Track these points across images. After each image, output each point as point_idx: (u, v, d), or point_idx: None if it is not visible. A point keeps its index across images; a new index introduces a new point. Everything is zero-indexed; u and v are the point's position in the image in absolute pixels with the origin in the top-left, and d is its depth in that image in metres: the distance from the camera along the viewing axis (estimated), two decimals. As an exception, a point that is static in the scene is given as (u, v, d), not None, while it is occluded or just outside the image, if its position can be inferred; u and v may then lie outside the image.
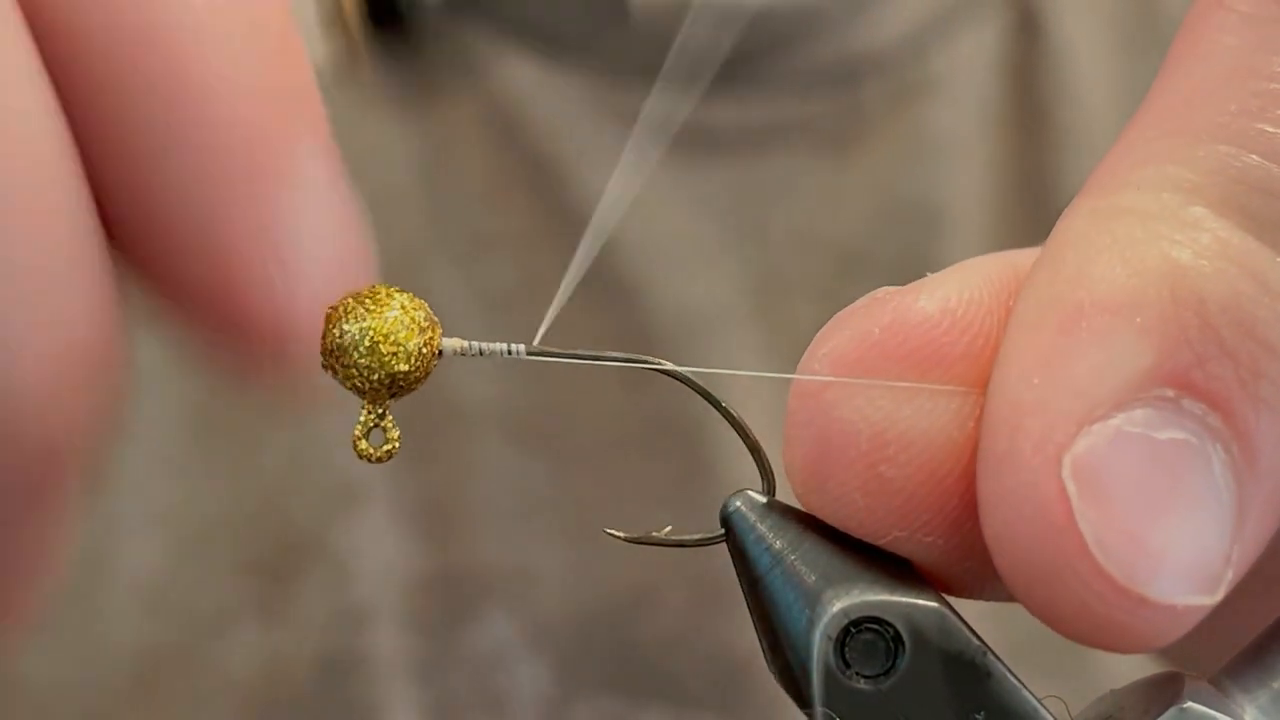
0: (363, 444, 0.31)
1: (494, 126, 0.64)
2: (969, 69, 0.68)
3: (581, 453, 0.62)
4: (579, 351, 0.32)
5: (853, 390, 0.29)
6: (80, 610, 0.59)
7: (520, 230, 0.64)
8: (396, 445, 0.31)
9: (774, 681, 0.31)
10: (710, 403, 0.31)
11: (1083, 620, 0.27)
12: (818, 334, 0.30)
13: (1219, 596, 0.27)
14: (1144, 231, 0.27)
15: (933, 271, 0.31)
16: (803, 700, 0.30)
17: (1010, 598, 0.31)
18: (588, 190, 0.63)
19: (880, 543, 0.30)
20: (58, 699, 0.57)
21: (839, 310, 0.30)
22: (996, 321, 0.30)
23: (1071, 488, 0.26)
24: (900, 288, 0.30)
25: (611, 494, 0.63)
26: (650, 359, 0.32)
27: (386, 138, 0.64)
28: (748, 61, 0.64)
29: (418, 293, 0.31)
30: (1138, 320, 0.27)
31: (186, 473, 0.60)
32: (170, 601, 0.59)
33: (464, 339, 0.30)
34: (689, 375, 0.31)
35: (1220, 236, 0.27)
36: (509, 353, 0.31)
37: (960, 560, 0.30)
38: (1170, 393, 0.27)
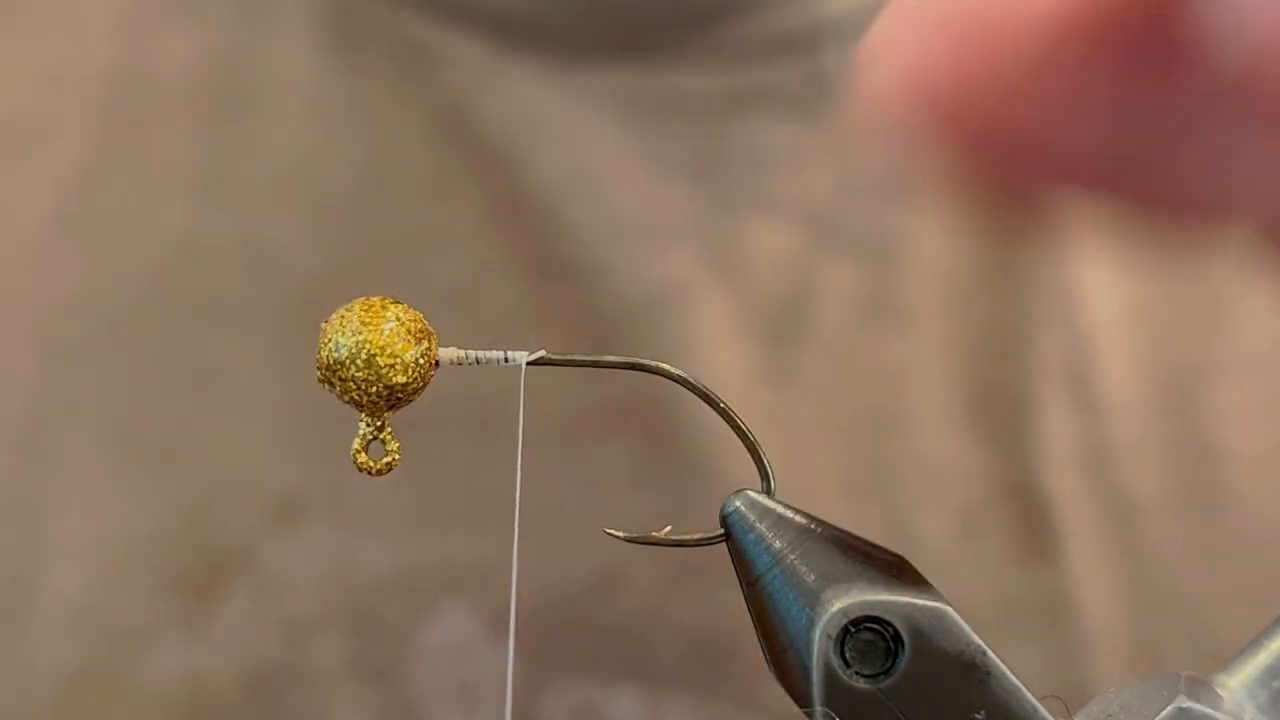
0: (362, 457, 0.31)
1: (440, 118, 0.62)
2: None
3: (537, 442, 0.61)
4: (577, 357, 0.32)
5: None
6: (5, 635, 0.59)
7: (469, 222, 0.61)
8: (396, 457, 0.31)
9: (752, 655, 0.31)
10: (709, 402, 0.32)
11: None
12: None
13: None
14: None
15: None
16: (803, 699, 0.30)
17: None
18: (542, 174, 0.61)
19: None
20: None
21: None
22: None
23: None
24: None
25: (569, 482, 0.62)
26: (650, 362, 0.32)
27: (329, 141, 0.62)
28: (706, 27, 0.63)
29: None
30: None
31: (108, 493, 0.59)
32: (94, 622, 0.59)
33: (460, 348, 0.31)
34: (687, 377, 0.31)
35: None
36: (506, 361, 0.31)
37: None
38: None
